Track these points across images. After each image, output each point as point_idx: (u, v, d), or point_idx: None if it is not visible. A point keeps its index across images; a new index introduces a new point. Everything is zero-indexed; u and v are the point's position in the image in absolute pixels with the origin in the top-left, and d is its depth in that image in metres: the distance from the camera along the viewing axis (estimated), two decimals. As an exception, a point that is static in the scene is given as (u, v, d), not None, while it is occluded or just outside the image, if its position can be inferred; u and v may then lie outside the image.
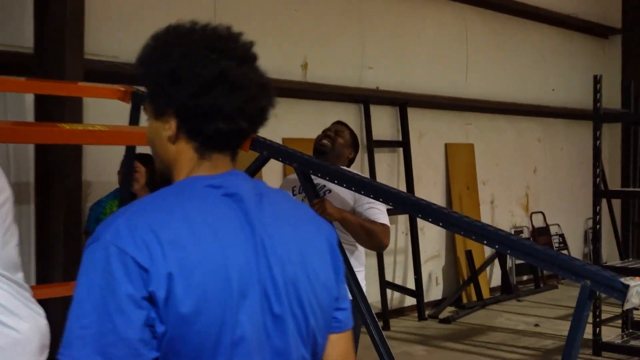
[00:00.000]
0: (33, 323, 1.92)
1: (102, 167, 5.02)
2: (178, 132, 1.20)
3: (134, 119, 3.80)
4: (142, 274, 1.05)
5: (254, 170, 3.18)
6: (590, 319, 4.98)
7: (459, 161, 7.64)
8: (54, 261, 4.79)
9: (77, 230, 4.92)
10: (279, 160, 3.10)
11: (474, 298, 7.33)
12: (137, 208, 1.13)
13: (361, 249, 3.35)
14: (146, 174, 4.50)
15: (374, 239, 3.19)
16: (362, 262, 3.37)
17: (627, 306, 1.96)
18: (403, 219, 6.84)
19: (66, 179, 4.80)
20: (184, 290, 1.05)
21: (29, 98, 4.75)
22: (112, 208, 4.72)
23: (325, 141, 3.41)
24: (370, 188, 2.78)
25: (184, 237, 1.08)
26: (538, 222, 8.63)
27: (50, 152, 4.73)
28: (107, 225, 1.09)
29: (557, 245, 8.63)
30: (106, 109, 4.76)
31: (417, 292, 6.63)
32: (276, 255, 1.16)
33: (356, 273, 3.08)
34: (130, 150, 3.84)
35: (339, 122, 3.62)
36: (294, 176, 3.39)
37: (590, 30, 9.50)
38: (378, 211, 3.24)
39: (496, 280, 7.90)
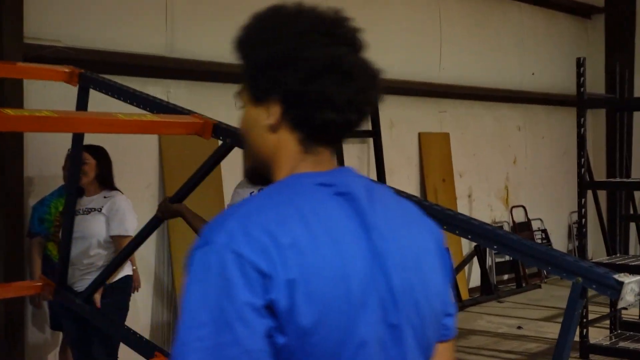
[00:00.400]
0: None
1: (45, 162, 5.06)
2: (281, 121, 1.20)
3: (81, 104, 3.75)
4: (262, 280, 1.04)
5: (215, 160, 3.23)
6: (576, 321, 5.06)
7: (433, 152, 7.77)
8: None
9: (19, 231, 5.00)
10: (243, 148, 3.06)
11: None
12: (248, 208, 1.13)
13: None
14: (96, 167, 4.49)
15: None
16: None
17: (621, 304, 2.01)
18: None
19: (6, 175, 4.89)
20: (304, 299, 1.05)
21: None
22: (58, 207, 4.80)
23: None
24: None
25: (302, 240, 1.08)
26: (519, 216, 8.82)
27: None
28: (217, 227, 1.09)
29: (539, 241, 8.79)
30: (50, 96, 4.81)
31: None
32: (393, 260, 1.16)
33: None
34: (78, 139, 3.81)
35: None
36: (244, 182, 3.58)
37: (572, 9, 9.70)
38: None
39: (475, 280, 8.07)
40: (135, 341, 3.81)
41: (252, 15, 1.24)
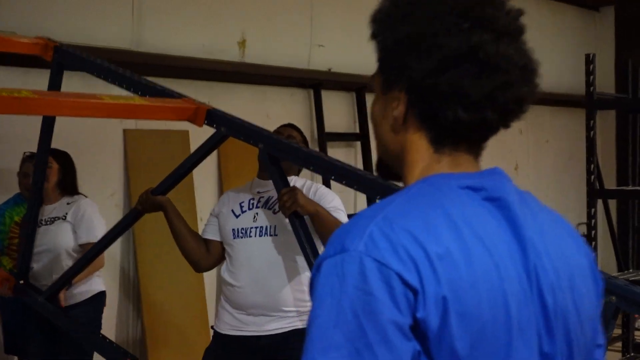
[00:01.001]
0: None
1: None
2: (407, 114, 1.15)
3: (55, 82, 3.67)
4: (410, 295, 0.97)
5: (207, 150, 3.22)
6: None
7: None
8: None
9: None
10: (239, 138, 3.10)
11: None
12: (389, 211, 1.04)
13: None
14: (58, 172, 4.49)
15: None
16: None
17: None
18: None
19: None
20: (458, 320, 0.98)
21: None
22: (13, 217, 4.80)
23: None
24: (354, 177, 2.79)
25: (454, 250, 1.01)
26: (521, 227, 8.78)
27: None
28: (353, 232, 1.02)
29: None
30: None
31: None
32: (547, 279, 1.10)
33: None
34: (45, 136, 3.73)
35: (289, 126, 3.78)
36: (240, 188, 3.60)
37: (579, 1, 9.79)
38: (344, 214, 3.43)
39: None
40: (106, 347, 3.77)
41: None
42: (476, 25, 1.09)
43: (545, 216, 1.19)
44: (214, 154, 6.21)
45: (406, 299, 0.96)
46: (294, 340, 3.38)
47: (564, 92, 9.08)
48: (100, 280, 4.57)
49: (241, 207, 3.56)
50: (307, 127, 6.50)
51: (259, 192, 3.57)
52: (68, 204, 4.42)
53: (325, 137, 6.49)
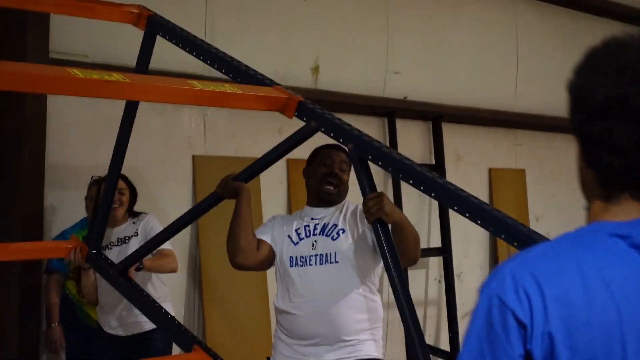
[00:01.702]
0: None
1: (66, 190, 5.21)
2: (580, 156, 1.36)
3: (146, 53, 3.77)
4: (520, 330, 1.21)
5: (294, 143, 3.28)
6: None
7: (506, 190, 7.93)
8: (7, 307, 5.24)
9: (37, 267, 5.15)
10: (330, 135, 3.18)
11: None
12: (531, 255, 1.28)
13: (379, 302, 3.62)
14: (130, 196, 4.71)
15: (418, 249, 3.50)
16: (379, 318, 3.65)
17: None
18: (436, 263, 6.95)
19: (24, 204, 5.08)
20: (569, 353, 1.18)
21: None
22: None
23: (330, 188, 3.71)
24: (454, 197, 2.80)
25: (572, 292, 1.20)
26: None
27: (8, 168, 5.23)
28: (497, 270, 1.27)
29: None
30: (73, 116, 5.03)
31: (452, 354, 6.68)
32: None
33: (376, 329, 3.54)
34: (127, 124, 3.79)
35: (338, 149, 3.80)
36: (290, 217, 3.73)
37: None
38: None
39: None
40: (174, 330, 3.87)
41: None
42: (629, 77, 1.25)
43: None
44: (285, 181, 6.46)
45: (518, 332, 1.19)
46: None
47: None
48: (171, 305, 4.73)
49: (297, 234, 3.62)
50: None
51: (313, 219, 3.63)
52: (134, 222, 4.64)
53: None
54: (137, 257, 4.15)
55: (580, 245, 1.27)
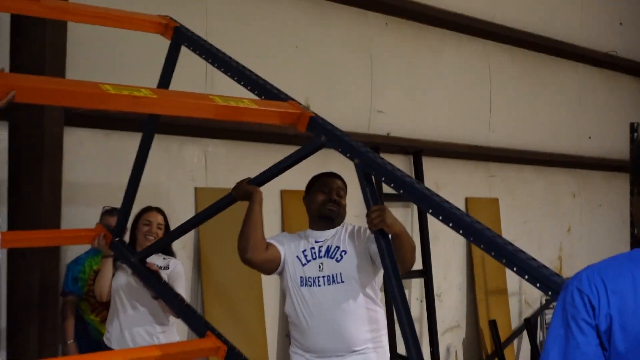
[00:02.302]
0: None
1: (81, 218, 5.22)
2: (635, 194, 1.81)
3: (170, 63, 3.77)
4: (590, 309, 1.65)
5: (304, 154, 3.33)
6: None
7: (481, 217, 7.11)
8: (26, 331, 5.05)
9: (54, 293, 5.12)
10: (338, 150, 3.21)
11: (500, 376, 7.64)
12: (599, 264, 1.72)
13: (381, 311, 3.71)
14: (165, 229, 4.67)
15: (414, 257, 3.54)
16: (384, 326, 3.71)
17: None
18: (417, 284, 7.01)
19: (43, 219, 5.00)
20: (620, 331, 1.61)
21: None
22: (92, 266, 5.01)
23: (333, 207, 3.72)
24: (447, 213, 2.84)
25: (626, 291, 1.64)
26: (574, 289, 8.74)
27: (25, 200, 5.00)
28: (575, 275, 1.70)
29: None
30: (86, 153, 5.08)
31: (433, 367, 6.82)
32: None
33: (381, 336, 3.60)
34: (149, 134, 3.82)
35: (334, 176, 3.88)
36: (295, 236, 3.71)
37: (631, 70, 9.95)
38: None
39: (525, 356, 8.14)
40: (190, 316, 3.89)
41: None
42: None
43: None
44: (279, 211, 6.40)
45: (591, 310, 1.62)
46: None
47: (616, 158, 9.21)
48: (176, 332, 4.70)
49: (305, 255, 3.67)
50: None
51: (317, 242, 3.67)
52: (164, 258, 4.60)
53: (382, 198, 6.61)
54: (153, 249, 4.16)
55: (632, 260, 1.70)
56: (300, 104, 3.44)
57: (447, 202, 2.89)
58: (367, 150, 3.11)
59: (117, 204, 4.47)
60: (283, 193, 6.27)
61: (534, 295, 8.56)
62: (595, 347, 1.65)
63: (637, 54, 9.94)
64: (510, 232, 8.02)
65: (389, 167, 3.06)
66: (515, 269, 2.61)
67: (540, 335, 8.12)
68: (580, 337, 1.66)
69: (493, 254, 2.63)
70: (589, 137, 9.21)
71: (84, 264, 5.06)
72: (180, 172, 5.89)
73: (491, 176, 8.18)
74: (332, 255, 3.61)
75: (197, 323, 3.88)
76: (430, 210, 2.88)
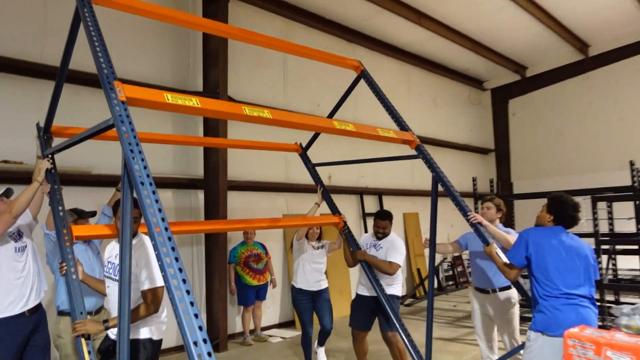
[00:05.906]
0: None
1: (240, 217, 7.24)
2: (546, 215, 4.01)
3: (348, 92, 4.55)
4: (526, 242, 3.90)
5: (397, 157, 4.39)
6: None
7: (411, 221, 11.45)
8: (215, 278, 7.83)
9: (224, 263, 7.75)
10: (424, 161, 4.36)
11: (422, 293, 12.22)
12: (530, 229, 3.94)
13: (399, 274, 5.63)
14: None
15: (388, 271, 5.41)
16: (399, 278, 5.74)
17: None
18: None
19: (221, 234, 7.25)
20: (533, 247, 3.86)
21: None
22: (241, 251, 7.93)
23: (380, 234, 5.66)
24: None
25: (539, 237, 3.82)
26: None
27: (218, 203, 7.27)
28: (524, 230, 3.86)
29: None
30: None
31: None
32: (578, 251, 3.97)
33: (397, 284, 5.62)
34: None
35: (380, 218, 5.68)
36: (367, 234, 5.66)
37: (478, 150, 15.40)
38: (399, 256, 5.57)
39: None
40: (330, 203, 5.17)
41: None
42: (576, 209, 4.20)
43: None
44: (402, 226, 10.07)
45: (526, 243, 4.05)
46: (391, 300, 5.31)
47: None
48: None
49: (367, 247, 5.60)
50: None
51: (374, 242, 5.56)
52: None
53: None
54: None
55: (547, 229, 3.86)
56: (414, 133, 4.18)
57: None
58: (437, 167, 4.20)
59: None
60: (405, 215, 10.05)
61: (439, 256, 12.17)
62: (523, 251, 3.51)
63: (480, 141, 14.40)
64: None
65: (441, 173, 4.23)
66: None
67: (441, 274, 12.08)
68: (520, 248, 3.56)
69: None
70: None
71: (237, 249, 8.01)
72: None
73: (414, 202, 12.13)
74: (377, 249, 5.44)
75: (334, 210, 5.24)
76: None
